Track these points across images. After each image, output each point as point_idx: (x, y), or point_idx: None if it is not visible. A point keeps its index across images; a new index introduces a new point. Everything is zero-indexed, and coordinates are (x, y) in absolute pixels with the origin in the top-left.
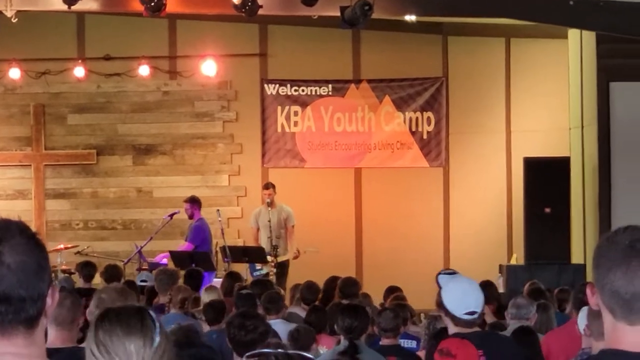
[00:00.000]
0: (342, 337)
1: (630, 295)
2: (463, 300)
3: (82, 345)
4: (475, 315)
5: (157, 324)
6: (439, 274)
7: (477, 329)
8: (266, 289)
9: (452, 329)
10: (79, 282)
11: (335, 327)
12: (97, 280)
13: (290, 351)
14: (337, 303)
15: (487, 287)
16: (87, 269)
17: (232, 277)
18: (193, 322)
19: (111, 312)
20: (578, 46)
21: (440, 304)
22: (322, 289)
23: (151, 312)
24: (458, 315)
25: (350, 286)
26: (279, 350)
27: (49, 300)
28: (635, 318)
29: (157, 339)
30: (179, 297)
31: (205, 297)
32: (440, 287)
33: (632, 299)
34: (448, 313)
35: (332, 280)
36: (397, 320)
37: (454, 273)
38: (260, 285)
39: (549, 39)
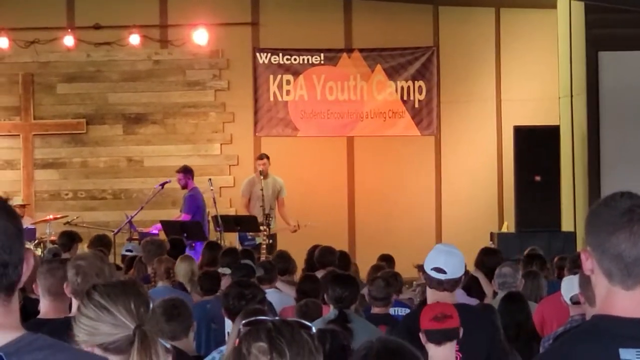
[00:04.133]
0: (331, 307)
1: (633, 259)
2: (434, 256)
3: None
4: (443, 276)
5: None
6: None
7: (451, 297)
8: (236, 260)
9: (428, 294)
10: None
11: (325, 296)
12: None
13: (289, 319)
14: (330, 272)
15: (491, 254)
16: (63, 238)
17: (212, 248)
18: (179, 294)
19: (101, 283)
20: (567, 16)
21: (421, 266)
22: (305, 258)
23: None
24: (427, 270)
25: (327, 255)
26: (277, 317)
27: (24, 265)
28: (632, 282)
29: (151, 303)
30: (163, 268)
31: (181, 267)
32: None
33: (633, 263)
34: (423, 272)
35: (314, 250)
36: (388, 289)
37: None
38: (230, 256)
39: (538, 9)
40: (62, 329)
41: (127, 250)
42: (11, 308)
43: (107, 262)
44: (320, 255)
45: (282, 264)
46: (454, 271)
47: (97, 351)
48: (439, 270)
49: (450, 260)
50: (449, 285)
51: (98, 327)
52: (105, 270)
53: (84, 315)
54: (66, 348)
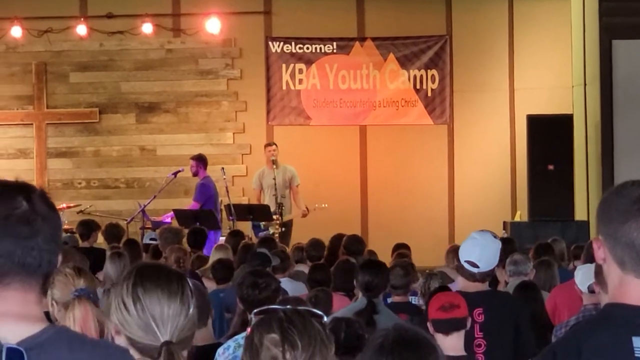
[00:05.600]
0: (360, 295)
1: None
2: (469, 248)
3: None
4: (476, 270)
5: (193, 294)
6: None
7: (481, 287)
8: (272, 247)
9: (460, 281)
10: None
11: (355, 282)
12: (100, 239)
13: (300, 307)
14: (343, 260)
15: (506, 243)
16: (81, 227)
17: (236, 236)
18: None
19: (152, 273)
20: (580, 4)
21: (454, 252)
22: (328, 246)
23: (189, 281)
24: (461, 260)
25: (356, 244)
26: (288, 306)
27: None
28: None
29: (192, 309)
30: (174, 257)
31: (216, 256)
32: None
33: None
34: (457, 259)
35: (338, 238)
36: (407, 278)
37: (495, 237)
38: (266, 244)
39: None
40: None
41: (150, 239)
42: (41, 298)
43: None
44: (349, 243)
45: (316, 252)
46: (487, 265)
47: (122, 339)
48: (472, 264)
49: (485, 254)
50: (481, 277)
51: (129, 322)
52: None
53: (119, 296)
54: (86, 344)
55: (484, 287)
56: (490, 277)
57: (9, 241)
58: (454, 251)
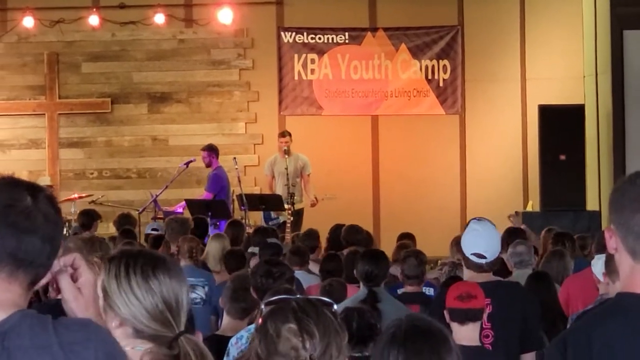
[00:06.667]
0: (361, 285)
1: None
2: (473, 240)
3: None
4: (483, 260)
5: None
6: (471, 220)
7: (488, 277)
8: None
9: (466, 273)
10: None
11: (355, 272)
12: (112, 229)
13: (311, 296)
14: (352, 251)
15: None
16: (82, 218)
17: (235, 226)
18: (202, 273)
19: (131, 254)
20: None
21: (458, 245)
22: (328, 237)
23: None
24: (466, 254)
25: (353, 234)
26: (299, 296)
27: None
28: None
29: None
30: (186, 247)
31: (212, 245)
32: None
33: None
34: (461, 253)
35: (337, 229)
36: (421, 267)
37: (485, 220)
38: (260, 235)
39: None
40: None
41: (152, 229)
42: (27, 293)
43: (94, 245)
44: (347, 234)
45: (309, 242)
46: (493, 254)
47: (129, 330)
48: (479, 256)
49: (491, 244)
50: (489, 267)
51: (141, 312)
52: None
53: (126, 288)
54: (48, 329)
55: (490, 276)
56: (497, 265)
57: (5, 230)
58: (458, 243)
